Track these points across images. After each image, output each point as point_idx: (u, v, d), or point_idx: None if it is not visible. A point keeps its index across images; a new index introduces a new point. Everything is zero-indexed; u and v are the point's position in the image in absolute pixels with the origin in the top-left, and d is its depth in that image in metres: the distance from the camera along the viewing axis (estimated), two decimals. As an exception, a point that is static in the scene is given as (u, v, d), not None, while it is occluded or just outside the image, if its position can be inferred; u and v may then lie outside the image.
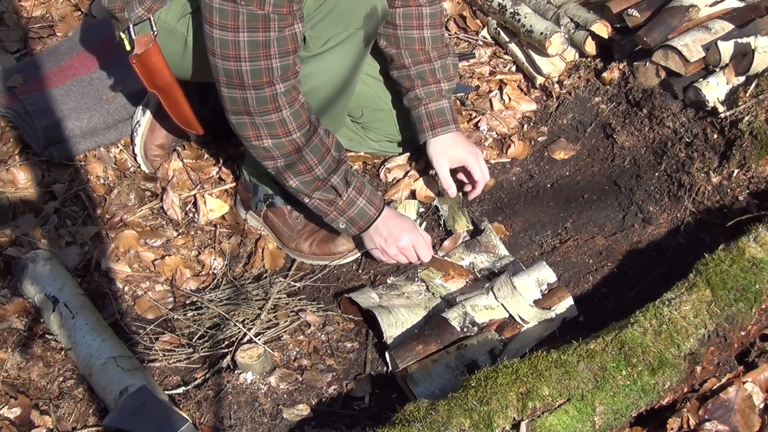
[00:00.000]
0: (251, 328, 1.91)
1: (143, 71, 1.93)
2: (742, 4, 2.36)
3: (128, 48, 1.91)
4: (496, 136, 2.46)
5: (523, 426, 1.41)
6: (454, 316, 1.82)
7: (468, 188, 2.19)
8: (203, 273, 2.17)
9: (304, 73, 1.79)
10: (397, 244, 1.97)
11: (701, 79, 2.18)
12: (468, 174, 2.16)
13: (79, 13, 2.98)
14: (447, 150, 2.12)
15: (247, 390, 1.81)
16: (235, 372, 1.83)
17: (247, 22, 1.60)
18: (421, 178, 2.31)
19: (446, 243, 2.12)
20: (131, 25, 1.88)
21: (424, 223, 2.21)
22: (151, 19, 1.87)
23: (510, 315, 1.83)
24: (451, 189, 2.14)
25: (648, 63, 2.28)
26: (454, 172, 2.16)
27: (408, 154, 2.40)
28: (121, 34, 1.92)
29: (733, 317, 1.57)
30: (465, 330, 1.80)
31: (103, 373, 1.77)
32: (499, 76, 2.63)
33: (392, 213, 2.00)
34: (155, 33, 1.88)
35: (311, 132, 1.79)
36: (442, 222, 2.20)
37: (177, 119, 2.10)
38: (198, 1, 1.65)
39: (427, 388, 1.69)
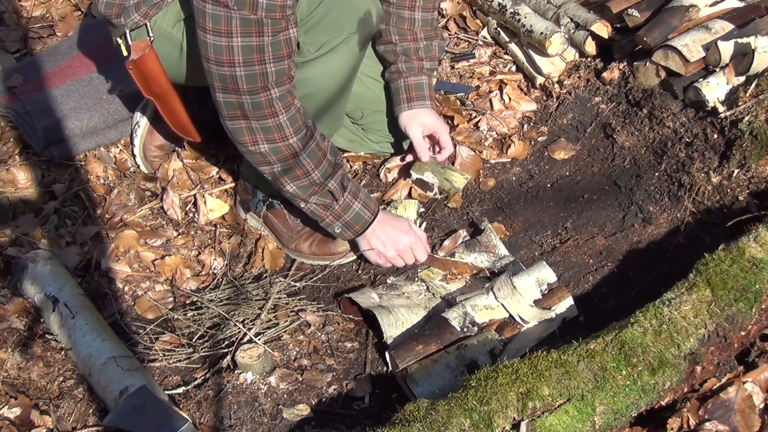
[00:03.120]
0: (251, 328, 1.91)
1: (139, 77, 1.93)
2: (742, 4, 2.36)
3: (125, 53, 1.90)
4: (496, 136, 2.46)
5: (523, 426, 1.41)
6: (454, 316, 1.82)
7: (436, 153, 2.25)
8: (203, 273, 2.17)
9: (299, 79, 1.78)
10: (396, 247, 1.97)
11: (701, 79, 2.18)
12: (435, 143, 2.23)
13: (79, 13, 2.98)
14: (419, 116, 2.17)
15: (247, 390, 1.81)
16: (235, 372, 1.83)
17: (240, 27, 1.59)
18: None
19: (446, 243, 2.12)
20: (128, 31, 1.88)
21: (425, 223, 2.21)
22: (148, 24, 1.86)
23: (510, 315, 1.83)
24: (424, 152, 2.20)
25: (648, 63, 2.28)
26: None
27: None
28: (118, 39, 1.91)
29: (733, 317, 1.57)
30: (465, 330, 1.80)
31: (103, 373, 1.77)
32: (499, 76, 2.63)
33: (387, 216, 2.00)
34: (152, 39, 1.87)
35: (308, 137, 1.79)
36: (436, 190, 2.22)
37: (173, 126, 2.09)
38: (192, 6, 1.65)
39: (427, 388, 1.69)
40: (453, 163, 2.32)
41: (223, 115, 1.75)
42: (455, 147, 2.29)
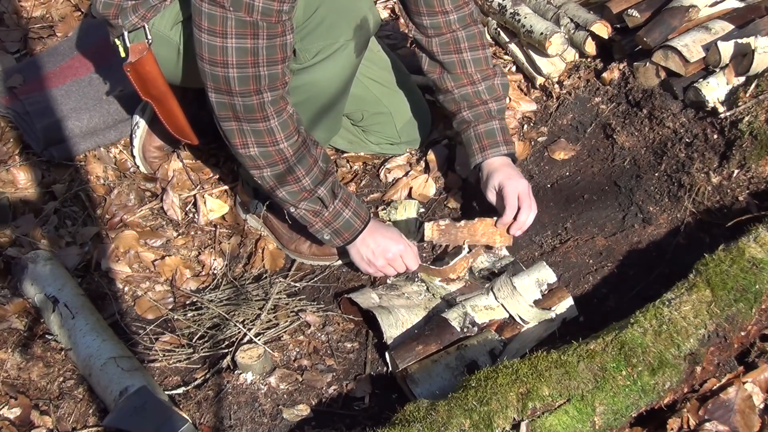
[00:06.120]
0: (251, 329, 1.91)
1: (137, 80, 1.93)
2: (742, 4, 2.36)
3: (122, 55, 1.90)
4: (496, 136, 2.46)
5: (523, 426, 1.41)
6: (454, 317, 1.82)
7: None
8: (203, 273, 2.17)
9: (296, 84, 1.78)
10: (385, 255, 1.94)
11: (701, 80, 2.18)
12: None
13: (79, 13, 2.98)
14: (490, 179, 2.01)
15: (247, 390, 1.81)
16: (235, 372, 1.83)
17: (235, 28, 1.58)
18: (420, 177, 2.31)
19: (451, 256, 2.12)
20: (125, 33, 1.88)
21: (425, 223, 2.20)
22: (146, 27, 1.86)
23: (510, 315, 1.83)
24: (502, 221, 1.99)
25: (648, 63, 2.28)
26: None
27: (408, 154, 2.41)
28: (116, 40, 1.91)
29: (733, 317, 1.57)
30: (465, 330, 1.80)
31: (103, 373, 1.77)
32: (499, 77, 2.63)
33: (378, 225, 1.97)
34: (149, 41, 1.87)
35: (299, 143, 1.77)
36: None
37: (171, 129, 2.09)
38: (190, 9, 1.65)
39: (427, 388, 1.69)
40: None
41: (216, 116, 1.75)
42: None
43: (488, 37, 2.79)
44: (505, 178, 1.99)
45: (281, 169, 1.78)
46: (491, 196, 2.04)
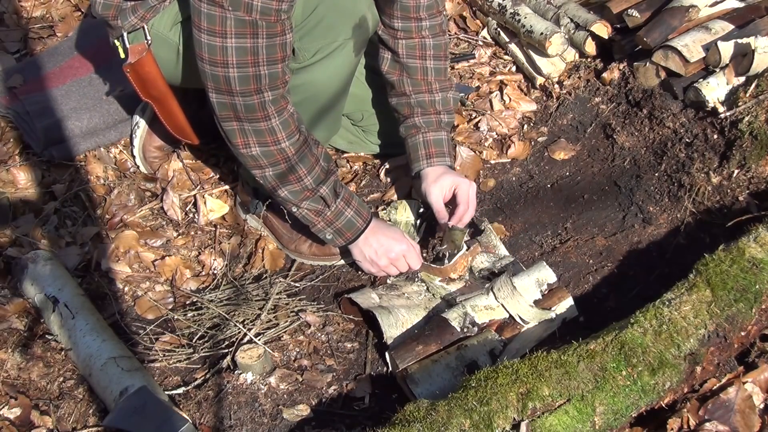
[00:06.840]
0: (251, 329, 1.91)
1: (137, 80, 1.92)
2: (742, 4, 2.36)
3: (122, 55, 1.90)
4: (496, 136, 2.46)
5: (523, 426, 1.41)
6: (454, 317, 1.82)
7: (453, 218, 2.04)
8: (203, 273, 2.17)
9: (295, 84, 1.77)
10: (388, 255, 1.94)
11: (701, 80, 2.18)
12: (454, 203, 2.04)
13: (79, 13, 2.98)
14: (439, 179, 2.04)
15: (247, 390, 1.81)
16: (235, 372, 1.83)
17: (234, 28, 1.58)
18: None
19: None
20: (125, 33, 1.88)
21: (425, 223, 2.21)
22: (145, 28, 1.86)
23: (510, 315, 1.83)
24: (443, 219, 2.04)
25: (648, 63, 2.29)
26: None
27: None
28: (115, 41, 1.91)
29: (733, 317, 1.57)
30: (465, 330, 1.80)
31: (103, 373, 1.77)
32: (499, 77, 2.63)
33: (380, 224, 1.97)
34: (149, 42, 1.87)
35: (300, 142, 1.77)
36: (440, 252, 2.07)
37: (171, 129, 2.08)
38: (189, 9, 1.64)
39: (427, 388, 1.69)
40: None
41: (217, 116, 1.75)
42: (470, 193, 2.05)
43: (488, 36, 2.79)
44: (459, 179, 2.04)
45: (283, 168, 1.78)
46: (437, 196, 2.03)
